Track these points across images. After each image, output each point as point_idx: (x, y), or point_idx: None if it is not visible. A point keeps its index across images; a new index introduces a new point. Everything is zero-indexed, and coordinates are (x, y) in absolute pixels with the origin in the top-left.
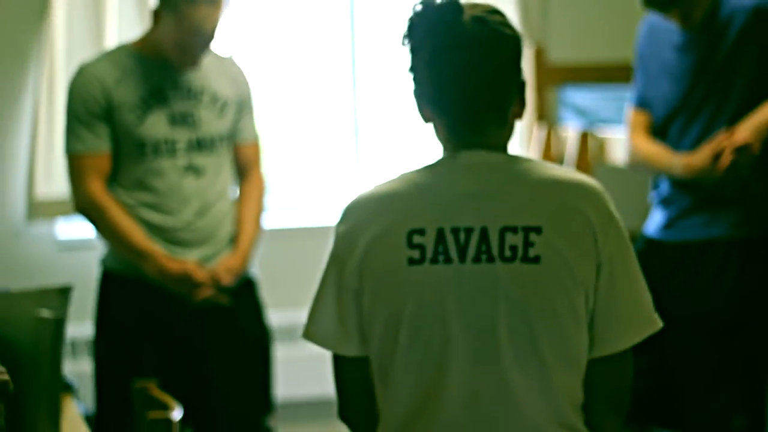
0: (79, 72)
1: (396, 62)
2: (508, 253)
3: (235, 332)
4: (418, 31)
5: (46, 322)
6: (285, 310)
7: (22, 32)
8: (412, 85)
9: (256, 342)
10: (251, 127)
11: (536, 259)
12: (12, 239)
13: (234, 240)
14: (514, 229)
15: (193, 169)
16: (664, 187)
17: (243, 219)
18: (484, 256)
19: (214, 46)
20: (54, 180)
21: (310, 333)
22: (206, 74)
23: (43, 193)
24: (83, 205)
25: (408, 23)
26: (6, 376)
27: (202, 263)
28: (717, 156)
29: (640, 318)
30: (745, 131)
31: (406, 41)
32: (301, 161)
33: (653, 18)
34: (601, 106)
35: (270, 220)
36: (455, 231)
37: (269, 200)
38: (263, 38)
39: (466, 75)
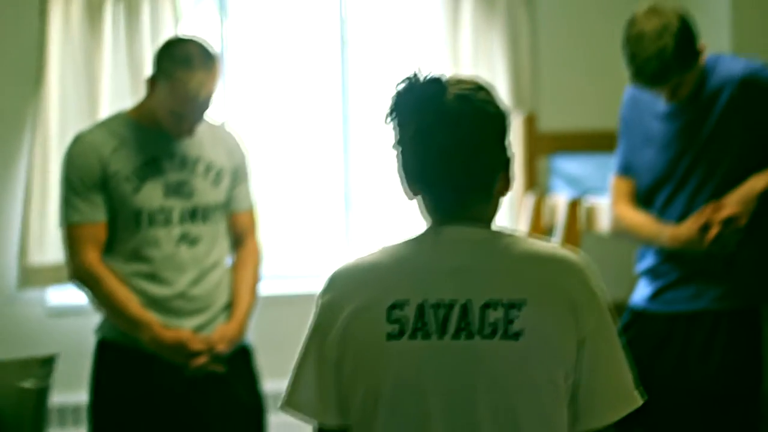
0: (75, 141)
1: (386, 132)
2: (488, 329)
3: (230, 401)
4: (403, 108)
5: (29, 392)
6: (280, 379)
7: (17, 100)
8: (397, 161)
9: (251, 411)
10: (247, 195)
11: (517, 336)
12: (3, 306)
13: (230, 308)
14: (495, 305)
15: (188, 239)
16: (650, 257)
17: (239, 287)
18: (463, 333)
19: (209, 114)
20: (46, 247)
21: (290, 402)
22: (201, 143)
23: (35, 260)
24: (79, 275)
25: (392, 100)
26: None
27: (198, 331)
28: (704, 228)
29: (621, 395)
30: (732, 204)
31: (391, 118)
32: (294, 228)
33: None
34: (591, 174)
35: (265, 288)
36: (436, 306)
37: (265, 268)
38: (257, 106)
39: (450, 152)
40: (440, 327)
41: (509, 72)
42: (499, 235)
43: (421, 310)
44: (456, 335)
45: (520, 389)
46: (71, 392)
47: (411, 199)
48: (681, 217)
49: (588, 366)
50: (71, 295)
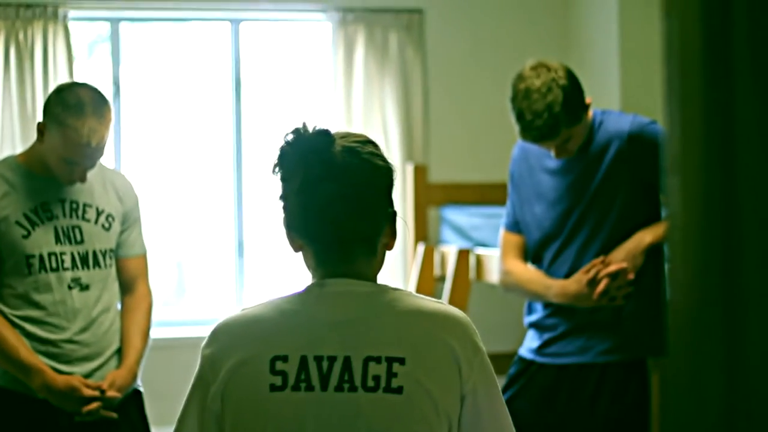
0: None
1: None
2: (371, 383)
3: None
4: (289, 160)
5: None
6: (169, 425)
7: None
8: (282, 214)
9: None
10: (137, 240)
11: (399, 390)
12: None
13: (120, 353)
14: (377, 359)
15: (80, 284)
16: (538, 310)
17: (129, 333)
18: (346, 385)
19: (100, 160)
20: None
21: None
22: (91, 188)
23: None
24: None
25: (279, 152)
26: None
27: (88, 377)
28: (592, 282)
29: None
30: (619, 258)
31: (277, 170)
32: (188, 274)
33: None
34: (480, 225)
35: (156, 333)
36: (318, 359)
37: (155, 313)
38: (151, 149)
39: (335, 204)
40: (323, 379)
41: (401, 123)
42: (384, 289)
43: (303, 362)
44: (339, 388)
45: None
46: None
47: (296, 251)
48: (570, 272)
49: (470, 421)
50: None
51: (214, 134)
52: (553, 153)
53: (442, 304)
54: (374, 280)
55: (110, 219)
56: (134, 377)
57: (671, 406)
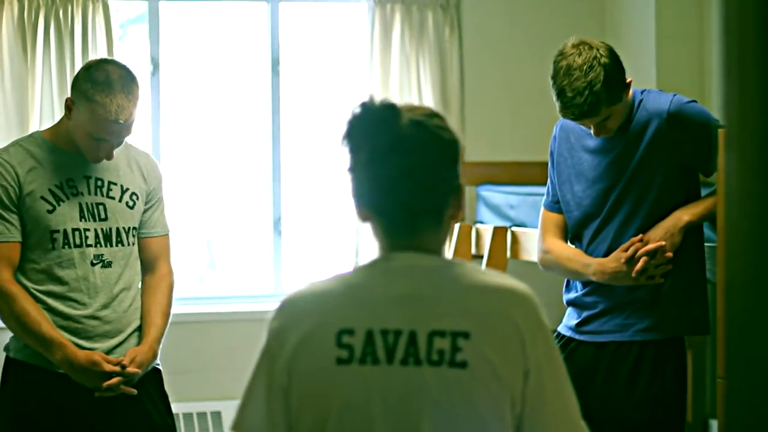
0: None
1: (319, 156)
2: (435, 357)
3: (140, 422)
4: (357, 133)
5: None
6: (189, 402)
7: None
8: (350, 185)
9: None
10: (160, 220)
11: (463, 365)
12: None
13: (141, 331)
14: (442, 333)
15: (102, 261)
16: (577, 288)
17: (150, 311)
18: (411, 359)
19: (128, 138)
20: None
21: (239, 426)
22: (117, 166)
23: None
24: None
25: (347, 125)
26: None
27: (109, 354)
28: (630, 260)
29: (568, 425)
30: (658, 236)
31: (345, 142)
32: (225, 251)
33: (567, 120)
34: (516, 204)
35: (181, 309)
36: (384, 333)
37: (179, 291)
38: (188, 127)
39: (403, 178)
40: (388, 353)
41: (437, 103)
42: (450, 263)
43: (369, 336)
44: (404, 362)
45: (465, 418)
46: None
47: (363, 222)
48: (609, 251)
49: (534, 396)
50: None
51: (252, 113)
52: (592, 131)
53: (507, 278)
54: (440, 252)
55: (134, 197)
56: (154, 355)
57: (734, 384)
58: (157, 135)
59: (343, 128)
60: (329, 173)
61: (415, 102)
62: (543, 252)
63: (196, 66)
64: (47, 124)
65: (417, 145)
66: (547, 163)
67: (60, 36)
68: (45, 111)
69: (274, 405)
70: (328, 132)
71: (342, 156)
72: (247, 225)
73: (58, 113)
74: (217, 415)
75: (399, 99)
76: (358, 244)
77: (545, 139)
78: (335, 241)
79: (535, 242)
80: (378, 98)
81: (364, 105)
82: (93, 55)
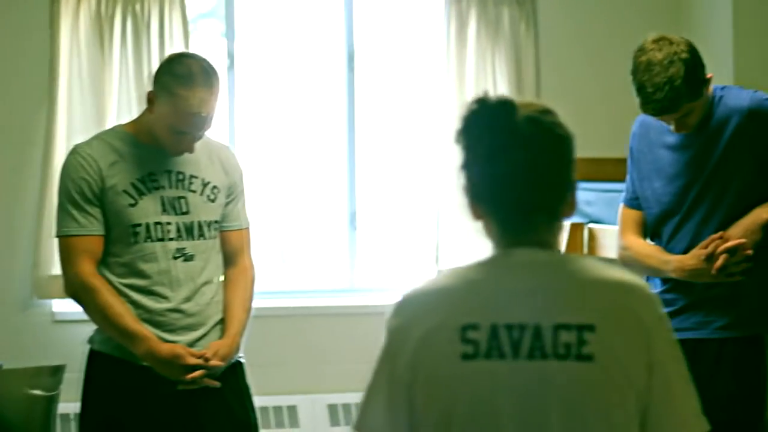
0: (72, 153)
1: (395, 149)
2: (561, 350)
3: (223, 416)
4: (473, 129)
5: (38, 399)
6: (270, 396)
7: (29, 114)
8: (463, 182)
9: (243, 426)
10: (241, 214)
11: (590, 357)
12: (17, 314)
13: (222, 324)
14: (567, 327)
15: (184, 254)
16: (656, 285)
17: (232, 304)
18: (537, 353)
19: (208, 131)
20: (57, 259)
21: (361, 426)
22: (198, 159)
23: (47, 271)
24: (74, 286)
25: (463, 121)
26: None
27: (191, 347)
28: (710, 257)
29: (690, 419)
30: (737, 233)
31: (460, 138)
32: (298, 244)
33: (647, 116)
34: (592, 200)
35: (262, 303)
36: (509, 327)
37: (259, 285)
38: (264, 121)
39: (521, 174)
40: (514, 347)
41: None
42: (569, 258)
43: (494, 331)
44: (530, 355)
45: (592, 410)
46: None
47: (476, 220)
48: (688, 248)
49: (660, 389)
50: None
51: (327, 106)
52: (672, 127)
53: (626, 273)
54: (556, 248)
55: (215, 191)
56: (237, 348)
57: None
58: (232, 129)
59: (458, 124)
60: (405, 167)
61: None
62: (622, 249)
63: (271, 59)
64: (124, 117)
65: (534, 142)
66: (623, 160)
67: (137, 30)
68: (122, 104)
69: (397, 403)
70: (403, 126)
71: (453, 153)
72: (321, 219)
73: (135, 106)
74: (293, 410)
75: (473, 93)
76: (438, 239)
77: (622, 136)
78: (411, 235)
79: (611, 239)
80: (493, 95)
81: (480, 101)
82: (169, 49)
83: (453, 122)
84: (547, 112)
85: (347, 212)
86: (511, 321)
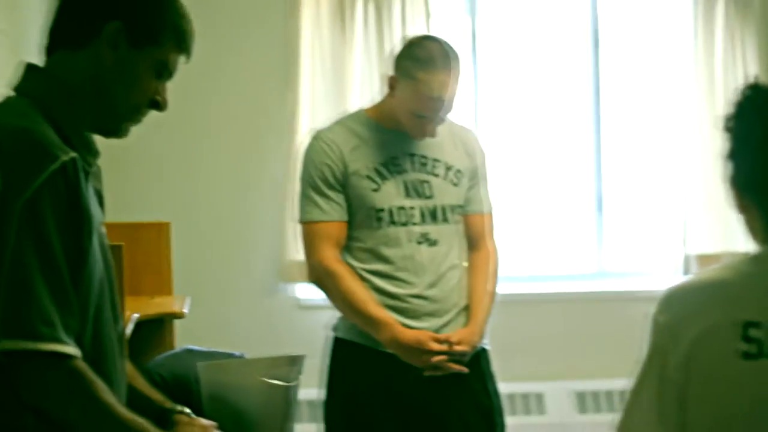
0: (314, 139)
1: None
2: None
3: (466, 403)
4: (747, 116)
5: (277, 388)
6: (517, 382)
7: (270, 100)
8: (730, 172)
9: (488, 412)
10: (484, 198)
11: None
12: (264, 299)
13: (466, 311)
14: None
15: (428, 239)
16: None
17: (476, 290)
18: None
19: (450, 114)
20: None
21: (627, 426)
22: (441, 143)
23: (292, 256)
24: (317, 272)
25: (735, 108)
26: None
27: (434, 333)
28: None
29: None
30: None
31: (732, 125)
32: (543, 229)
33: None
34: None
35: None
36: None
37: (500, 270)
38: (506, 103)
39: None
40: None
41: (765, 80)
42: None
43: None
44: None
45: None
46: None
47: (740, 212)
48: None
49: None
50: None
51: (572, 87)
52: None
53: None
54: None
55: (459, 175)
56: (482, 335)
57: None
58: (476, 111)
59: (729, 111)
60: (652, 149)
61: (740, 75)
62: None
63: (514, 40)
64: (365, 99)
65: None
66: None
67: (379, 11)
68: (364, 85)
69: (667, 403)
70: (650, 106)
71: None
72: (568, 203)
73: (376, 87)
74: (539, 397)
75: (723, 77)
76: (686, 223)
77: None
78: (659, 218)
79: None
80: (759, 80)
81: (755, 86)
82: (411, 29)
83: (699, 103)
84: None
85: (594, 195)
86: None
